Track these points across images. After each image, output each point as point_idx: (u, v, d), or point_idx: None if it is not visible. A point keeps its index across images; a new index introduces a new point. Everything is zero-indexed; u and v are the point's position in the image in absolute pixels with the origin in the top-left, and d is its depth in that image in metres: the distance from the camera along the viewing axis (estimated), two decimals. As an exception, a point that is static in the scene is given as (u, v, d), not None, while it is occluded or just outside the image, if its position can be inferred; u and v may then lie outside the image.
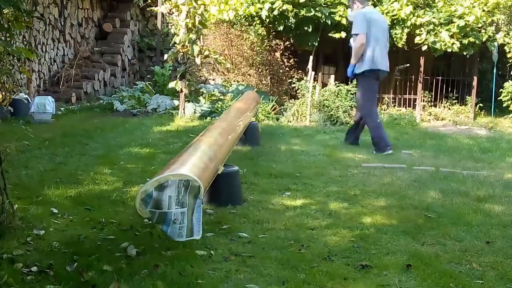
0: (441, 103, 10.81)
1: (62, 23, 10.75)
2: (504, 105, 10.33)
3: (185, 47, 8.59)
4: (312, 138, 7.40)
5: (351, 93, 10.09)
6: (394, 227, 3.61)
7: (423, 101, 10.78)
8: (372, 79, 6.57)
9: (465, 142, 7.64)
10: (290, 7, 9.62)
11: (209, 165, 3.49)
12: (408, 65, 10.54)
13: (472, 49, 9.97)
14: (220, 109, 8.85)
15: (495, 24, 10.20)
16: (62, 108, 9.20)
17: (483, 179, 5.17)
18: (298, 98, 9.74)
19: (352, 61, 6.52)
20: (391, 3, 9.94)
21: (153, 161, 5.40)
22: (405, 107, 10.67)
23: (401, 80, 10.94)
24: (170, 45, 9.25)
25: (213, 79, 11.71)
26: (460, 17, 9.72)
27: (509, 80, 10.41)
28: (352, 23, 6.63)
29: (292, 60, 10.83)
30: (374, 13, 6.82)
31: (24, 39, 8.96)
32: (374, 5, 10.10)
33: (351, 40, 6.67)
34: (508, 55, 10.22)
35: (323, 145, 6.72)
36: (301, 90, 9.75)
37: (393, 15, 9.87)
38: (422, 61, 10.52)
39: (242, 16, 10.38)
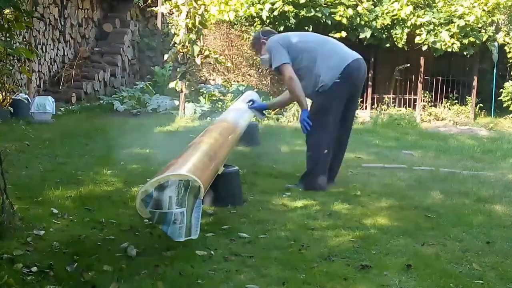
0: (441, 103, 10.82)
1: (62, 23, 10.75)
2: (504, 105, 10.33)
3: (185, 47, 8.59)
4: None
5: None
6: (394, 227, 3.61)
7: (423, 101, 10.79)
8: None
9: (465, 143, 7.64)
10: (290, 7, 9.63)
11: (209, 165, 3.49)
12: (408, 65, 10.55)
13: (472, 49, 9.98)
14: (220, 109, 8.85)
15: (495, 24, 10.21)
16: (62, 108, 9.20)
17: (484, 179, 5.17)
18: (298, 98, 9.73)
19: (301, 106, 4.61)
20: (391, 3, 9.95)
21: (153, 161, 5.40)
22: (405, 107, 10.68)
23: (401, 80, 10.94)
24: (170, 45, 9.25)
25: (213, 79, 11.70)
26: (460, 17, 9.73)
27: (509, 80, 10.41)
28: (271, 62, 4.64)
29: (292, 60, 10.82)
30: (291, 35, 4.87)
31: (24, 39, 8.96)
32: (375, 5, 10.12)
33: (258, 113, 5.33)
34: (508, 55, 10.22)
35: (323, 145, 6.70)
36: (301, 90, 9.74)
37: (393, 15, 9.87)
38: (422, 61, 10.53)
39: (242, 17, 10.39)
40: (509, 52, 10.18)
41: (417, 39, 9.90)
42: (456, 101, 10.83)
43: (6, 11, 3.15)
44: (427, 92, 10.88)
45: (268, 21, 10.02)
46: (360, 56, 4.67)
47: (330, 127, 4.55)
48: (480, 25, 9.86)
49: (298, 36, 4.79)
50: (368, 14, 9.88)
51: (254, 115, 5.51)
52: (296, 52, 4.55)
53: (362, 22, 9.87)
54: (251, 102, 5.30)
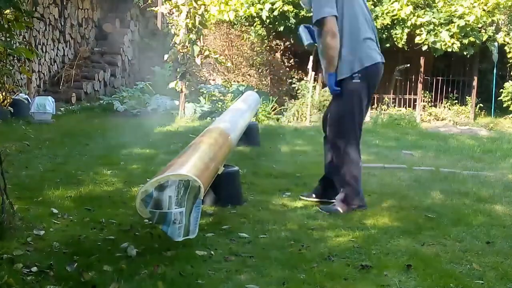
0: (441, 103, 10.83)
1: (62, 24, 10.76)
2: (504, 105, 10.34)
3: (185, 47, 8.60)
4: (312, 139, 7.39)
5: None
6: (394, 227, 3.61)
7: (423, 101, 10.79)
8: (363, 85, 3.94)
9: (465, 143, 7.64)
10: (290, 7, 9.63)
11: (209, 165, 3.49)
12: (408, 65, 10.55)
13: (472, 49, 9.99)
14: (220, 109, 8.86)
15: (495, 24, 10.21)
16: (62, 108, 9.20)
17: (484, 179, 5.17)
18: (298, 98, 9.75)
19: (330, 68, 3.95)
20: (391, 3, 9.95)
21: (153, 161, 5.40)
22: (405, 108, 10.69)
23: (401, 80, 10.95)
24: (170, 45, 9.26)
25: (213, 80, 11.71)
26: (460, 17, 9.73)
27: (509, 80, 10.41)
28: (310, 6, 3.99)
29: (292, 60, 10.85)
30: None
31: (24, 39, 8.96)
32: (375, 5, 10.12)
33: (308, 36, 4.18)
34: (508, 55, 10.23)
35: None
36: (301, 91, 9.76)
37: (393, 15, 9.88)
38: (422, 61, 10.53)
39: (242, 17, 10.40)
40: (509, 52, 10.18)
41: (417, 39, 9.90)
42: (456, 101, 10.83)
43: (6, 11, 3.15)
44: (427, 92, 10.89)
45: (268, 20, 10.02)
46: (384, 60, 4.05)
47: (355, 132, 3.98)
48: (480, 25, 9.87)
49: None
50: (368, 14, 9.88)
51: None
52: (342, 9, 3.84)
53: (362, 22, 9.86)
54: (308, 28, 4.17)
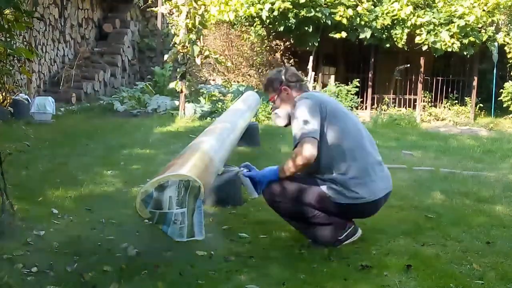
0: (441, 103, 10.83)
1: (62, 24, 10.76)
2: (504, 105, 10.35)
3: (185, 47, 8.59)
4: (312, 139, 7.36)
5: (351, 94, 10.11)
6: (394, 227, 3.61)
7: (423, 102, 10.80)
8: None
9: (465, 143, 7.64)
10: (290, 7, 9.64)
11: (210, 165, 3.48)
12: (408, 65, 10.56)
13: (472, 49, 9.99)
14: (220, 110, 8.86)
15: (495, 24, 10.22)
16: (62, 109, 9.20)
17: (484, 179, 5.17)
18: (298, 99, 9.74)
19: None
20: (391, 3, 9.96)
21: (154, 161, 5.40)
22: (405, 108, 10.69)
23: (401, 80, 10.96)
24: (170, 45, 9.26)
25: (213, 80, 11.71)
26: (460, 17, 9.74)
27: (509, 80, 10.41)
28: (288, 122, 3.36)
29: (292, 60, 10.85)
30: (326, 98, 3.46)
31: (24, 40, 8.96)
32: (375, 5, 10.12)
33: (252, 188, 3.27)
34: (508, 56, 10.23)
35: (323, 146, 6.70)
36: (301, 91, 9.76)
37: (393, 15, 9.88)
38: (422, 61, 10.54)
39: (242, 17, 10.40)
40: (509, 52, 10.19)
41: (417, 39, 9.91)
42: (456, 101, 10.84)
43: (6, 11, 3.15)
44: (427, 92, 10.89)
45: (268, 21, 10.02)
46: (391, 188, 3.31)
47: None
48: (480, 25, 9.88)
49: (337, 109, 3.39)
50: (368, 14, 9.88)
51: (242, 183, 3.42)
52: (328, 125, 3.19)
53: (362, 22, 9.87)
54: (245, 170, 3.36)
